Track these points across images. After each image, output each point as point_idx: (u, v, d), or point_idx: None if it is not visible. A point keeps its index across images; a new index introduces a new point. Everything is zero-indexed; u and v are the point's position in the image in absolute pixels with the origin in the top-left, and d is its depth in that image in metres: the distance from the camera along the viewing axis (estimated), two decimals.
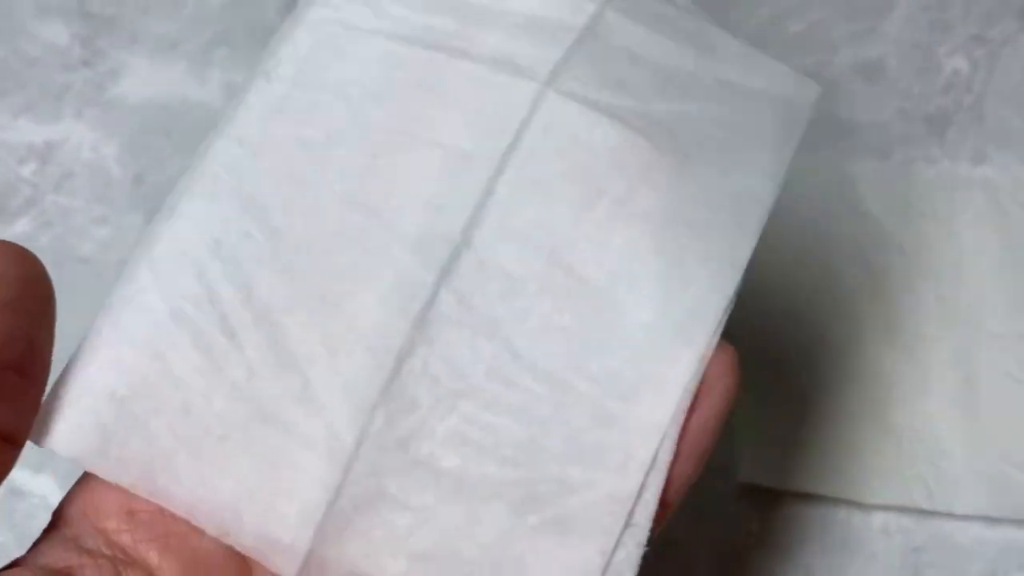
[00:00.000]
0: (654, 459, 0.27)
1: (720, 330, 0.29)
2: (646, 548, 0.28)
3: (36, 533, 0.27)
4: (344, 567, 0.26)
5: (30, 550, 0.26)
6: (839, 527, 0.52)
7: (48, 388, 0.26)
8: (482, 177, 0.29)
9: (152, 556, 0.26)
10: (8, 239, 0.27)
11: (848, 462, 0.52)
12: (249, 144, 0.28)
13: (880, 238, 0.58)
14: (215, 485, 0.26)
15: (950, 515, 0.51)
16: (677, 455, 0.28)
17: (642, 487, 0.27)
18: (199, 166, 0.29)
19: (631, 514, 0.27)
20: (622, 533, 0.27)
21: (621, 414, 0.27)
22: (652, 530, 0.28)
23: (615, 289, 0.28)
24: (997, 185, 0.59)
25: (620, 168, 0.29)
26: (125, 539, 0.26)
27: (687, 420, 0.28)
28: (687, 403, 0.28)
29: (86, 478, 0.27)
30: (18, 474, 0.47)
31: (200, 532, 0.26)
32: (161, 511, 0.26)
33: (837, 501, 0.52)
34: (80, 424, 0.26)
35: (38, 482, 0.52)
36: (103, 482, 0.26)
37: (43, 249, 0.30)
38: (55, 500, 0.35)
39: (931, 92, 0.63)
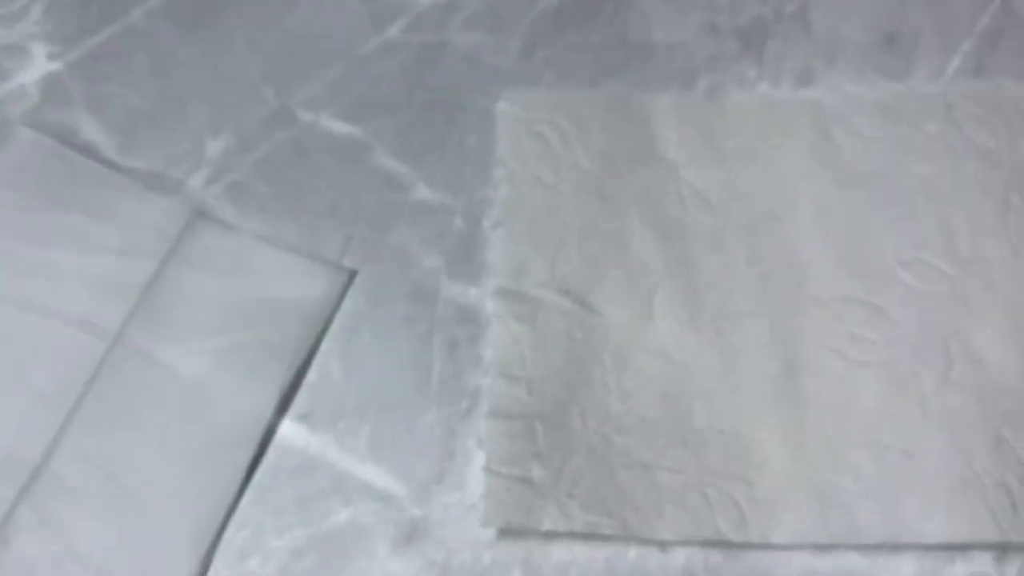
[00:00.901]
0: None
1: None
2: None
3: None
4: None
5: None
6: (629, 571, 0.40)
7: None
8: (60, 414, 0.41)
9: None
10: None
11: (636, 488, 0.40)
12: None
13: (681, 189, 0.46)
14: None
15: (769, 546, 0.39)
16: None
17: None
18: None
19: None
20: None
21: None
22: None
23: (152, 499, 0.40)
24: (825, 109, 0.47)
25: (164, 404, 0.42)
26: None
27: None
28: None
29: None
30: None
31: None
32: None
33: (626, 539, 0.40)
34: None
35: None
36: None
37: None
38: None
39: (745, 0, 0.50)
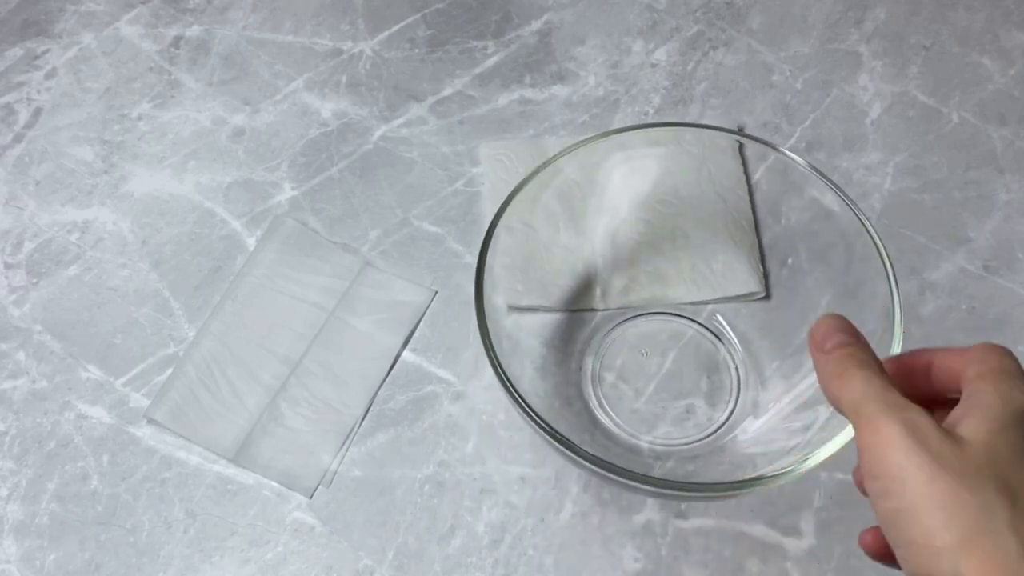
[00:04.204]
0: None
1: None
2: None
3: None
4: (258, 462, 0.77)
5: None
6: None
7: None
8: (306, 343, 0.83)
9: None
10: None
11: None
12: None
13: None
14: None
15: None
16: None
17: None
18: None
19: None
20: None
21: (346, 412, 0.79)
22: None
23: (346, 377, 0.81)
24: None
25: (352, 341, 0.84)
26: None
27: None
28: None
29: None
30: None
31: None
32: None
33: None
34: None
35: None
36: None
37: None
38: None
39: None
